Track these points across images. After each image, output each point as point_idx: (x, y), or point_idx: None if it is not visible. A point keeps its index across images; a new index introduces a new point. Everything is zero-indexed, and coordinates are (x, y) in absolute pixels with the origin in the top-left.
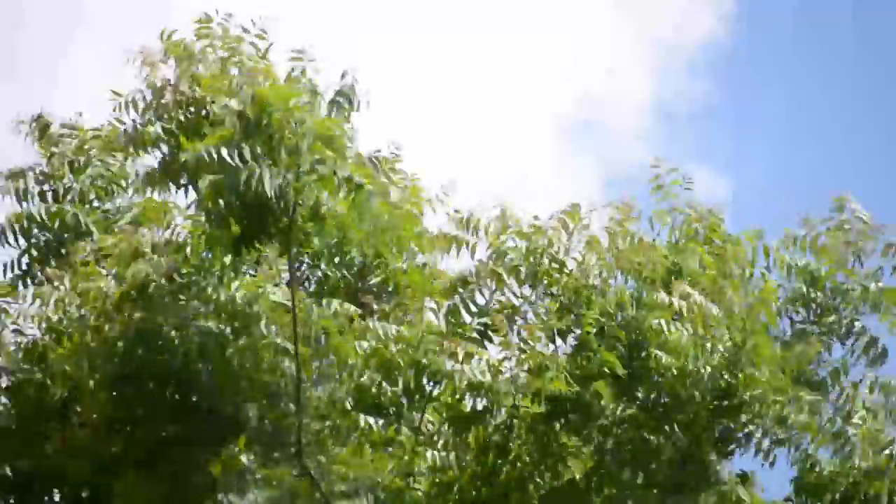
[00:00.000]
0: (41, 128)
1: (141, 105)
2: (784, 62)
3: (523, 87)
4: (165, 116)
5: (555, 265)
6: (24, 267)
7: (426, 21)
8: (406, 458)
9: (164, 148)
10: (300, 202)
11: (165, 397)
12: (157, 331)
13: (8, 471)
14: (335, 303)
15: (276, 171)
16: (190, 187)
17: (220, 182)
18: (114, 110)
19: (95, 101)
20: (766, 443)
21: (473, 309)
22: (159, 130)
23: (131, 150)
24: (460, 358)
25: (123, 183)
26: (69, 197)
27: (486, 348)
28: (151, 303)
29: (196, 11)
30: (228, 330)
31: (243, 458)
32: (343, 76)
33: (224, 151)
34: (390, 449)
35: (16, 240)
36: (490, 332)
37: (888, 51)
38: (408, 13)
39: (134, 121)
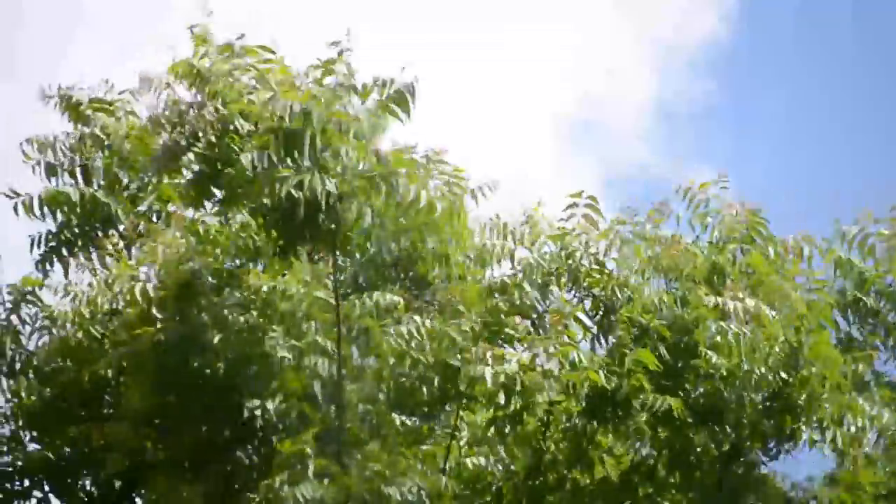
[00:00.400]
0: (69, 101)
1: (168, 128)
2: (785, 62)
3: (523, 86)
4: (194, 136)
5: (595, 266)
6: (51, 244)
7: (426, 21)
8: (440, 456)
9: (196, 167)
10: (346, 206)
11: (204, 395)
12: (198, 329)
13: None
14: (376, 295)
15: (322, 176)
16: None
17: (268, 186)
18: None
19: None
20: (818, 443)
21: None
22: (191, 157)
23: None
24: (489, 361)
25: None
26: (96, 179)
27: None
28: (194, 301)
29: (193, 12)
30: (270, 328)
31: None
32: (395, 79)
33: (271, 159)
34: (424, 447)
35: (43, 217)
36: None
37: (888, 50)
38: (408, 12)
39: (164, 142)
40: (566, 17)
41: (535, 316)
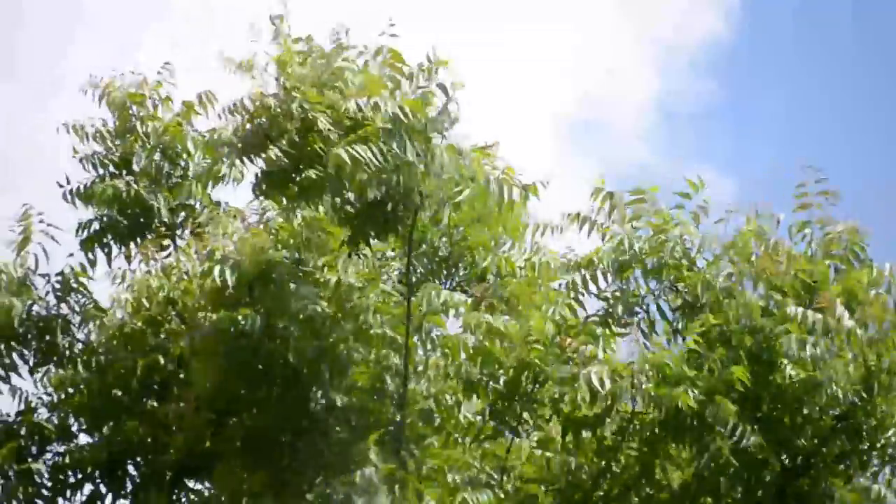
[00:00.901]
0: (111, 93)
1: (245, 114)
2: (785, 62)
3: (524, 86)
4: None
5: (684, 261)
6: (94, 230)
7: (427, 20)
8: (502, 454)
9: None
10: (427, 199)
11: (271, 383)
12: (270, 318)
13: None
14: (445, 293)
15: (410, 170)
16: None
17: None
18: (219, 117)
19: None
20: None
21: (592, 293)
22: (278, 153)
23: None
24: (579, 360)
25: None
26: (137, 168)
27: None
28: (267, 291)
29: (192, 12)
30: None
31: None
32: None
33: (372, 151)
34: (486, 444)
35: (87, 207)
36: (609, 322)
37: (888, 50)
38: (409, 12)
39: (249, 129)
40: (567, 16)
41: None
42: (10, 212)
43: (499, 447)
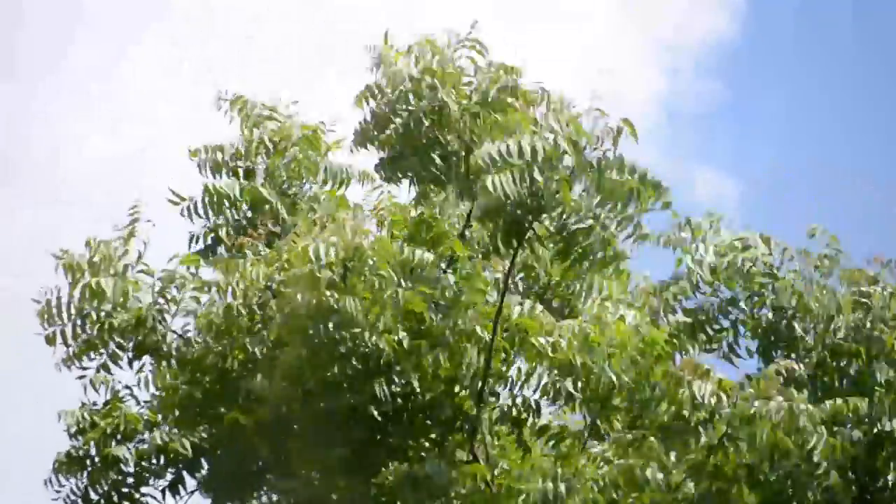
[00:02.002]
0: (241, 107)
1: (379, 97)
2: (789, 62)
3: (526, 86)
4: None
5: (766, 277)
6: (209, 242)
7: (430, 21)
8: (573, 460)
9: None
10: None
11: (358, 367)
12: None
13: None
14: (528, 302)
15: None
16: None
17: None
18: (355, 106)
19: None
20: None
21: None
22: (398, 128)
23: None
24: (695, 374)
25: (316, 172)
26: (260, 178)
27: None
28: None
29: (192, 12)
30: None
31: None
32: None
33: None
34: (555, 449)
35: (206, 214)
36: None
37: (891, 49)
38: (412, 12)
39: (372, 111)
40: (571, 16)
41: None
42: (7, 208)
43: (573, 452)
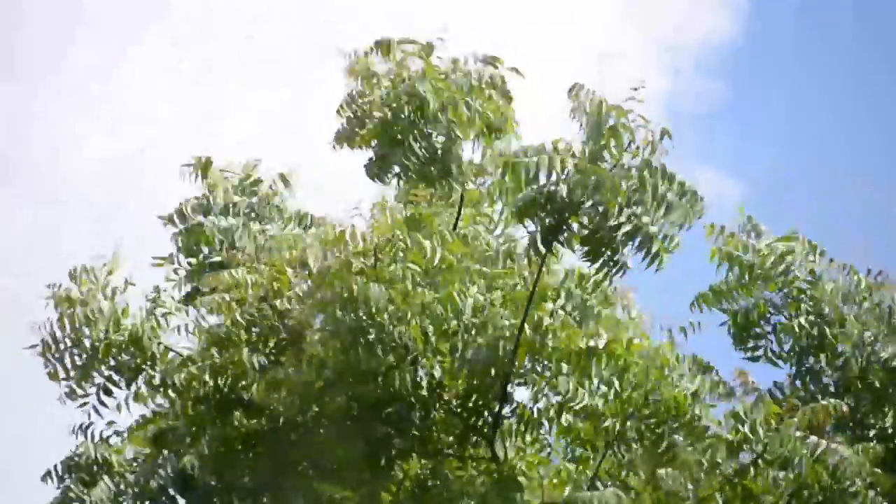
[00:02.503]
0: (204, 167)
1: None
2: (790, 61)
3: (528, 86)
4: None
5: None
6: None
7: (434, 20)
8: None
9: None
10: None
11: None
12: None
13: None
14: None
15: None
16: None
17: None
18: (338, 112)
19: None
20: None
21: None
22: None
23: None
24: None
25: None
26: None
27: None
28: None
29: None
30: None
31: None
32: None
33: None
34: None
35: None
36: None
37: (892, 49)
38: (417, 12)
39: (354, 112)
40: (572, 15)
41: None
42: (7, 208)
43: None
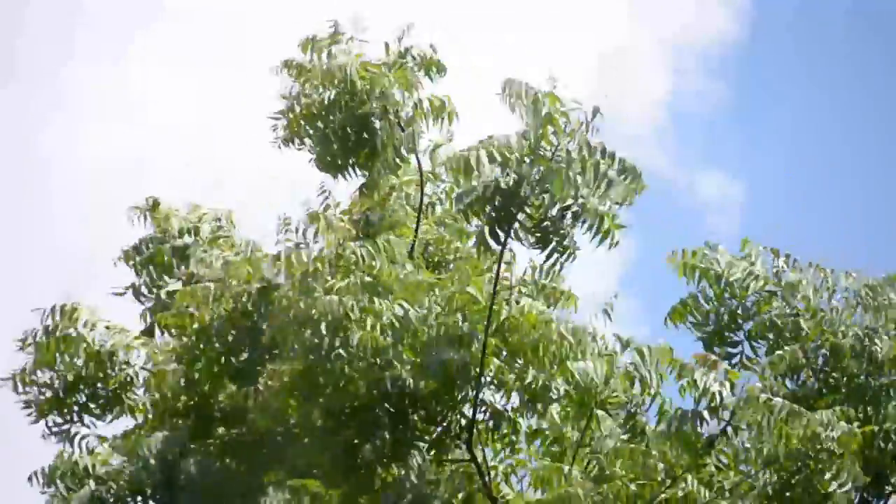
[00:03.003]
0: (152, 208)
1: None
2: (797, 62)
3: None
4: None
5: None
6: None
7: (437, 23)
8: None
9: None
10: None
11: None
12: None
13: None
14: (526, 300)
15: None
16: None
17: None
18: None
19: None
20: None
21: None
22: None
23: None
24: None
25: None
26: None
27: None
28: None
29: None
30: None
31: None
32: None
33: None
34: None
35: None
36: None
37: None
38: (421, 11)
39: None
40: (579, 17)
41: None
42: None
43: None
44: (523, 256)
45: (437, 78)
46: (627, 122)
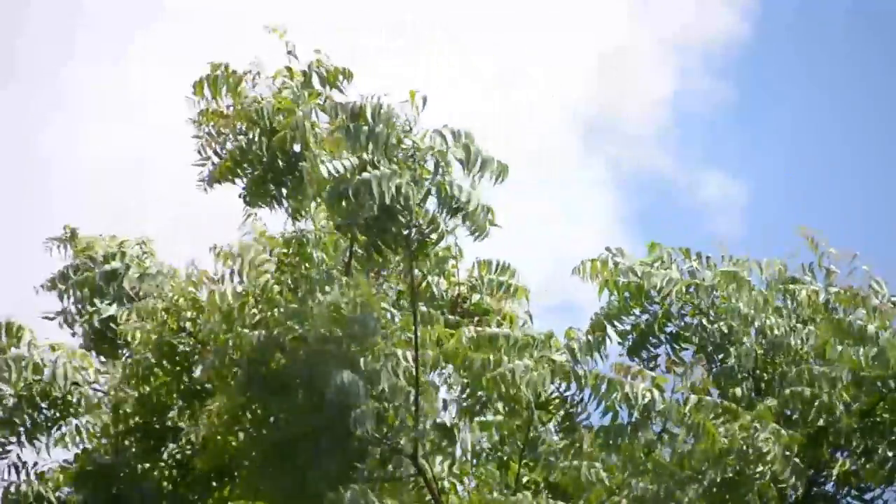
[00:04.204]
0: (71, 237)
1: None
2: (801, 61)
3: (537, 88)
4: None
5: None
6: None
7: (439, 20)
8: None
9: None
10: (419, 209)
11: (289, 399)
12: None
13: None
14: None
15: (397, 176)
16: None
17: (346, 191)
18: (198, 152)
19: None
20: None
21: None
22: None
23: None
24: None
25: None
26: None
27: None
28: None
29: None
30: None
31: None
32: None
33: (346, 163)
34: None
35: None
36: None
37: None
38: (426, 12)
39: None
40: (582, 16)
41: None
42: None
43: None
44: (470, 252)
45: (345, 85)
46: (629, 123)
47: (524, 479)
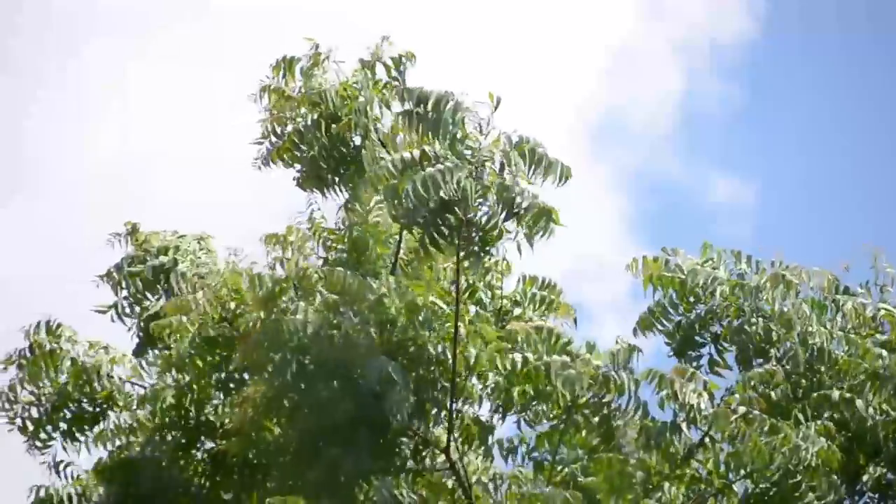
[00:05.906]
0: (132, 231)
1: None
2: (811, 62)
3: (545, 90)
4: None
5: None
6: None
7: (444, 24)
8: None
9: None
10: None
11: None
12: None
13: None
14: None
15: (458, 170)
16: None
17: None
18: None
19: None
20: None
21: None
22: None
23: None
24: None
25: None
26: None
27: None
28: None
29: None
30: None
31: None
32: None
33: (406, 156)
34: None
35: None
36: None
37: None
38: (433, 14)
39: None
40: (590, 19)
41: None
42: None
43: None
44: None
45: (408, 67)
46: (637, 124)
47: (557, 479)
